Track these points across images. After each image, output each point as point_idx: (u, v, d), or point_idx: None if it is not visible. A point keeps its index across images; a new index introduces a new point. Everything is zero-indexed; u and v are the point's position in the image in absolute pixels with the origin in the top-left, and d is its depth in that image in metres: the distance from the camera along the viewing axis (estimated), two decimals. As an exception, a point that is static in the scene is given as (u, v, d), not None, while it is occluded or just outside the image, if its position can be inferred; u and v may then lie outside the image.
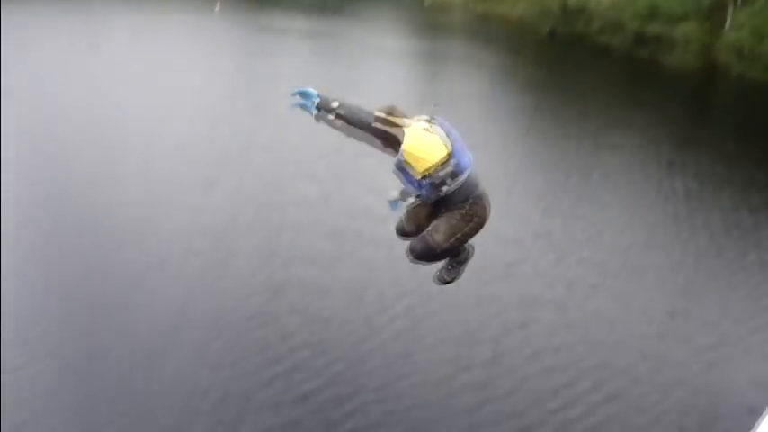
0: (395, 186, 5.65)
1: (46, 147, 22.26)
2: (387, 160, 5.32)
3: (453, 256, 5.65)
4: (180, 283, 15.26)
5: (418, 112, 5.41)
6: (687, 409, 12.37)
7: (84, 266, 15.68)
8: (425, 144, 5.08)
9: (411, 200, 5.62)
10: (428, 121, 5.22)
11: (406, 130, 5.11)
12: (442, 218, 5.33)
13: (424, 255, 5.42)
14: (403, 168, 5.20)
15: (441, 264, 5.85)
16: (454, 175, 5.11)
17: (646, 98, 32.49)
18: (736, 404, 12.38)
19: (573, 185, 21.57)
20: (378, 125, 5.12)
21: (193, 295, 14.83)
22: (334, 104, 5.10)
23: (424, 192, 5.24)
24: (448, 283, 5.84)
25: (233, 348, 13.35)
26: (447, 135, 5.16)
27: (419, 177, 5.13)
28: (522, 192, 21.06)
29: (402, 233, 5.78)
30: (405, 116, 5.26)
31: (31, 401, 11.79)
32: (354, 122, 5.12)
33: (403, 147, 5.08)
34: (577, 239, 18.15)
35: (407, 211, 5.68)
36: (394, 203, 5.79)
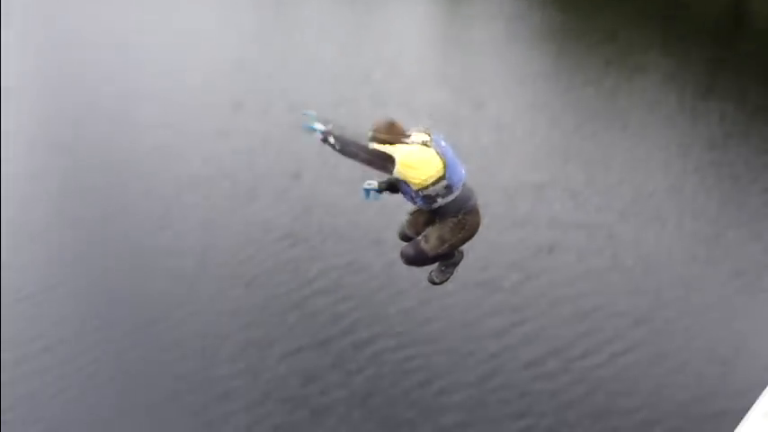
0: (377, 177, 5.77)
1: (63, 78, 22.21)
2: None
3: (445, 259, 5.98)
4: (209, 206, 15.37)
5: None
6: (717, 336, 12.42)
7: (112, 192, 15.85)
8: (417, 165, 5.33)
9: (383, 195, 5.92)
10: (424, 143, 5.43)
11: (397, 156, 5.30)
12: (435, 226, 5.70)
13: (415, 260, 5.81)
14: (400, 180, 5.46)
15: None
16: (447, 190, 5.43)
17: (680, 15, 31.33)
18: None
19: (604, 107, 21.12)
20: (371, 156, 5.34)
21: (222, 218, 14.95)
22: (330, 139, 5.37)
23: (419, 203, 5.55)
24: (438, 284, 6.23)
25: (262, 271, 13.53)
26: (442, 154, 5.40)
27: (415, 190, 5.44)
28: (551, 115, 20.67)
29: (403, 237, 6.13)
30: (403, 132, 5.46)
31: (49, 346, 12.15)
32: (348, 153, 5.36)
33: (395, 170, 5.34)
34: (608, 162, 17.88)
35: (408, 217, 6.03)
36: (370, 193, 5.88)
